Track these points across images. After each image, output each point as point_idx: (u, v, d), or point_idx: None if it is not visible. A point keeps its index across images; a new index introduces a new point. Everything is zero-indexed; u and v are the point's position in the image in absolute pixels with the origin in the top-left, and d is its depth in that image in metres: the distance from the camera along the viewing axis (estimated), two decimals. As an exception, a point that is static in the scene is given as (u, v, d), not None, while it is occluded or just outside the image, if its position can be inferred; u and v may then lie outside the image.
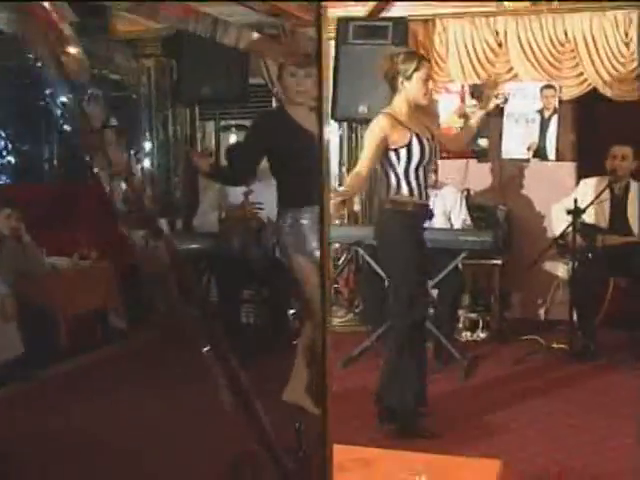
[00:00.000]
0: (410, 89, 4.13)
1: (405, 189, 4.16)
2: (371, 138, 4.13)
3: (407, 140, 4.11)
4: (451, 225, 5.92)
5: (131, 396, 4.76)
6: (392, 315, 4.36)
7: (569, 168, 6.76)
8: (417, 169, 4.15)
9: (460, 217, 5.96)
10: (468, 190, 6.56)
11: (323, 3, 1.65)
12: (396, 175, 4.16)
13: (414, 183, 4.16)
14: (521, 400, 4.87)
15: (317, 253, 3.89)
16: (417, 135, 4.14)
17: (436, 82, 6.61)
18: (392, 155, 4.13)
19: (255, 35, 6.28)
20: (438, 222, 5.85)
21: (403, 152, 4.11)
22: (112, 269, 6.25)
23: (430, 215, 4.43)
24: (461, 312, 6.34)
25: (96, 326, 6.11)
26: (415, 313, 4.18)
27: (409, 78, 4.11)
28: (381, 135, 4.09)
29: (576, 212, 5.63)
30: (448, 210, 5.96)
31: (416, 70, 4.11)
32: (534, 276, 6.65)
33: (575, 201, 5.67)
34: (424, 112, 4.34)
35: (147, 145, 7.39)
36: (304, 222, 4.15)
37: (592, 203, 5.69)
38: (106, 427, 4.29)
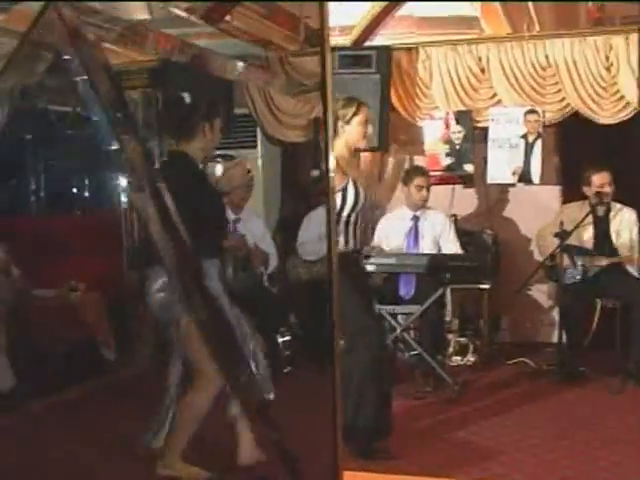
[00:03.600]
0: (349, 133, 4.21)
1: None
2: None
3: (342, 185, 4.12)
4: (439, 250, 5.94)
5: (120, 428, 4.74)
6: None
7: (554, 192, 6.83)
8: (349, 215, 4.18)
9: (450, 243, 5.98)
10: (455, 216, 6.59)
11: (326, 31, 1.65)
12: None
13: (343, 229, 4.17)
14: (513, 423, 4.88)
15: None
16: (353, 181, 4.16)
17: (421, 109, 6.70)
18: None
19: (240, 65, 6.34)
20: (427, 248, 5.91)
21: (337, 197, 4.09)
22: (101, 301, 6.24)
23: (360, 260, 4.42)
24: (451, 336, 6.37)
25: (84, 358, 6.06)
26: (366, 354, 4.12)
27: (348, 122, 4.19)
28: None
29: (563, 235, 5.67)
30: (437, 236, 5.98)
31: (355, 115, 4.20)
32: (522, 299, 6.70)
33: (561, 224, 5.71)
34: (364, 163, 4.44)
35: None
36: None
37: (578, 226, 5.73)
38: (96, 458, 4.29)
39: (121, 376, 6.14)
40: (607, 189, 5.89)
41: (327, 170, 1.65)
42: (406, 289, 5.86)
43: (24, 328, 5.58)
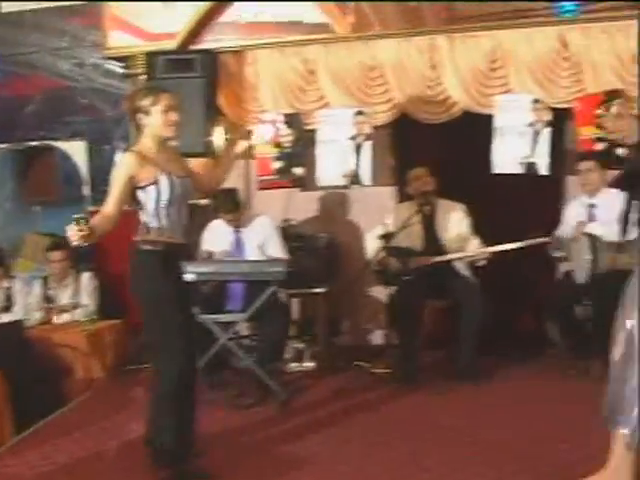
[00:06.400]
0: (152, 123, 4.03)
1: (155, 228, 4.01)
2: (117, 178, 3.95)
3: (154, 178, 3.96)
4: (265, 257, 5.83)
5: None
6: (155, 360, 4.11)
7: (389, 193, 6.80)
8: (168, 207, 4.00)
9: (273, 248, 5.88)
10: (289, 220, 6.51)
11: None
12: (146, 214, 4.01)
13: (165, 222, 4.02)
14: (335, 431, 4.76)
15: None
16: (166, 172, 4.00)
17: (250, 112, 6.60)
18: (140, 194, 3.98)
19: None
20: (253, 255, 5.79)
21: (151, 190, 3.96)
22: None
23: (188, 254, 4.26)
24: (287, 343, 6.27)
25: None
26: (181, 358, 3.96)
27: (148, 113, 4.01)
28: (127, 174, 3.93)
29: (387, 236, 5.66)
30: (262, 242, 5.87)
31: (154, 104, 4.00)
32: (363, 302, 6.65)
33: (386, 225, 5.70)
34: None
35: None
36: None
37: (403, 227, 5.74)
38: None
39: None
40: (427, 187, 5.91)
41: None
42: (234, 297, 5.76)
43: None
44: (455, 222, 5.99)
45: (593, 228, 5.63)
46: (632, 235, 3.77)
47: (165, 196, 3.98)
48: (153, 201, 3.98)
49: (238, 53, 6.56)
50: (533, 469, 3.96)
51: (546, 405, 4.99)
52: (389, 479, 3.99)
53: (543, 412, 4.88)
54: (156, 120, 4.01)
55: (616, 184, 3.64)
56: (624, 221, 3.57)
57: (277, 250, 5.88)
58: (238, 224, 5.86)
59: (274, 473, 4.13)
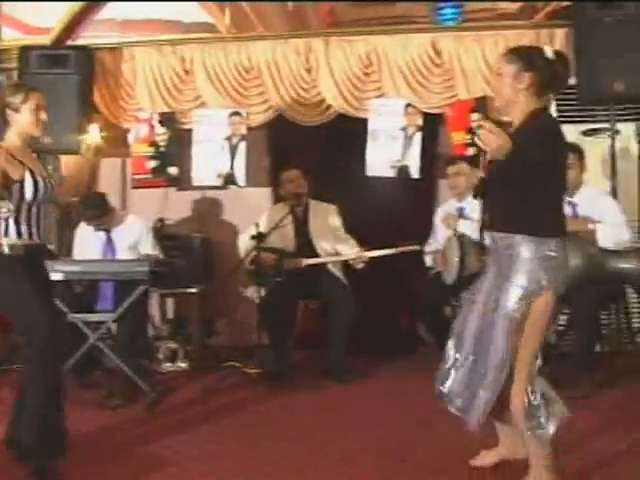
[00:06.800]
0: (20, 121, 3.98)
1: (13, 230, 3.93)
2: None
3: (20, 176, 3.90)
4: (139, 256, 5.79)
5: None
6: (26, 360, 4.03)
7: (265, 193, 6.84)
8: (30, 208, 3.94)
9: (146, 248, 5.85)
10: (163, 219, 6.49)
11: None
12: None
13: (24, 223, 3.95)
14: (198, 431, 4.76)
15: None
16: (31, 171, 3.95)
17: (126, 110, 6.53)
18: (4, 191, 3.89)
19: None
20: (124, 255, 5.74)
21: (15, 189, 3.89)
22: None
23: (49, 255, 4.22)
24: (161, 342, 6.26)
25: None
26: (48, 358, 3.91)
27: (17, 110, 3.97)
28: None
29: (259, 237, 5.70)
30: (134, 242, 5.83)
31: (24, 102, 3.97)
32: (239, 302, 6.66)
33: (257, 226, 5.75)
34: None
35: None
36: None
37: (275, 228, 5.80)
38: None
39: None
40: (300, 190, 5.98)
41: None
42: (104, 296, 5.69)
43: None
44: (327, 223, 6.08)
45: (461, 230, 5.77)
46: None
47: (29, 196, 3.93)
48: (16, 200, 3.91)
49: (115, 50, 6.49)
50: (400, 465, 4.05)
51: (415, 401, 5.08)
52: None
53: (413, 408, 5.00)
54: (25, 118, 3.99)
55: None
56: None
57: (150, 249, 5.85)
58: (108, 226, 5.80)
59: (133, 474, 4.10)
